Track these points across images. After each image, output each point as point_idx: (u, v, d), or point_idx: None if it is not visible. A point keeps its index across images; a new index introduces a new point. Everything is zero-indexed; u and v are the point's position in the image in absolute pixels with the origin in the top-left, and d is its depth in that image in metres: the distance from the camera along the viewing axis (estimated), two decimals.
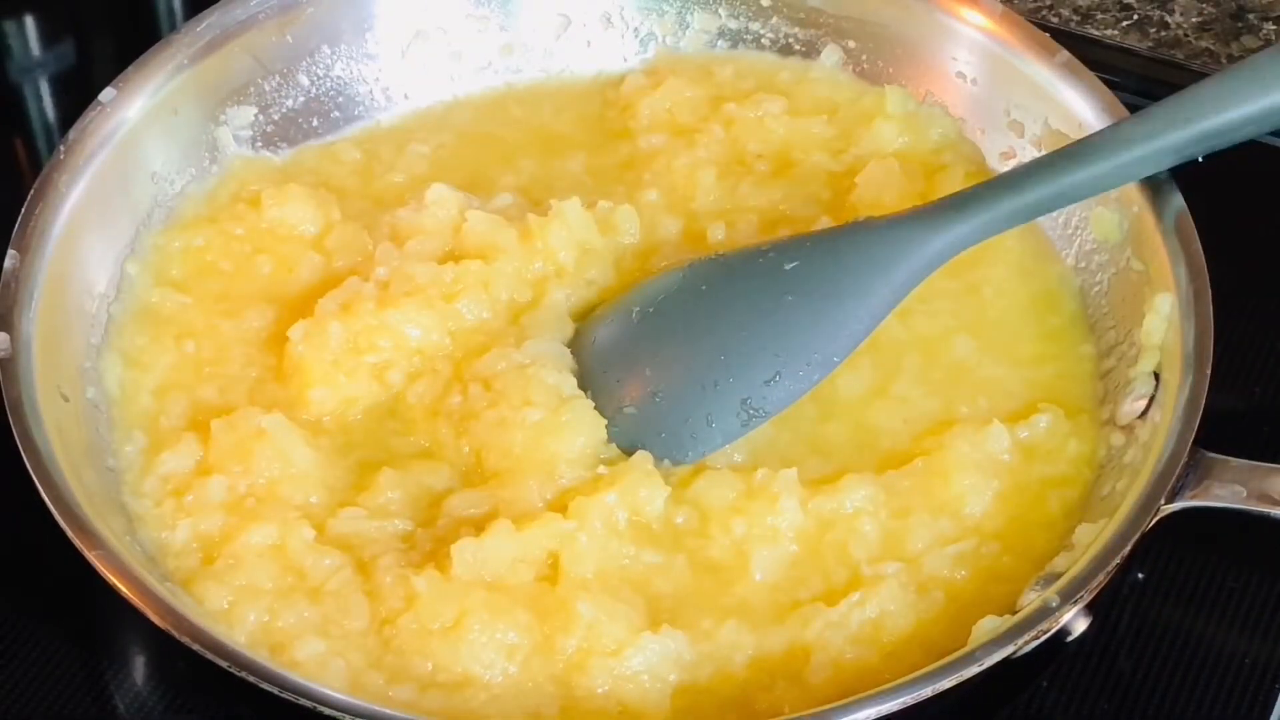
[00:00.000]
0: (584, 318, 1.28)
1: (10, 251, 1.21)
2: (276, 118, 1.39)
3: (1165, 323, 1.19)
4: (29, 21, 1.61)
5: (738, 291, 1.23)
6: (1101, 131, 1.24)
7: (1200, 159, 1.20)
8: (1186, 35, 1.58)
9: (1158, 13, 1.60)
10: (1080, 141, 1.23)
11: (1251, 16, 1.60)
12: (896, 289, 1.21)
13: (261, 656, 1.07)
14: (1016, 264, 1.30)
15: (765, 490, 1.16)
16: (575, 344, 1.26)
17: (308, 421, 1.22)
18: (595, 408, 1.21)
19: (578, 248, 1.29)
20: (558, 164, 1.39)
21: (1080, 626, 1.16)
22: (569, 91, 1.45)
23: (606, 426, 1.20)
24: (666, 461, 1.20)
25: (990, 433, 1.19)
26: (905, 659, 1.09)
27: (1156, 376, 1.18)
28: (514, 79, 1.45)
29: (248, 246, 1.32)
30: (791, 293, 1.22)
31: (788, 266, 1.23)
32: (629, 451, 1.20)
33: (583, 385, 1.23)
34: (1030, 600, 1.09)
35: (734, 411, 1.21)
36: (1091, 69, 1.32)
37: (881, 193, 1.32)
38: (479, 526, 1.15)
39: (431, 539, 1.16)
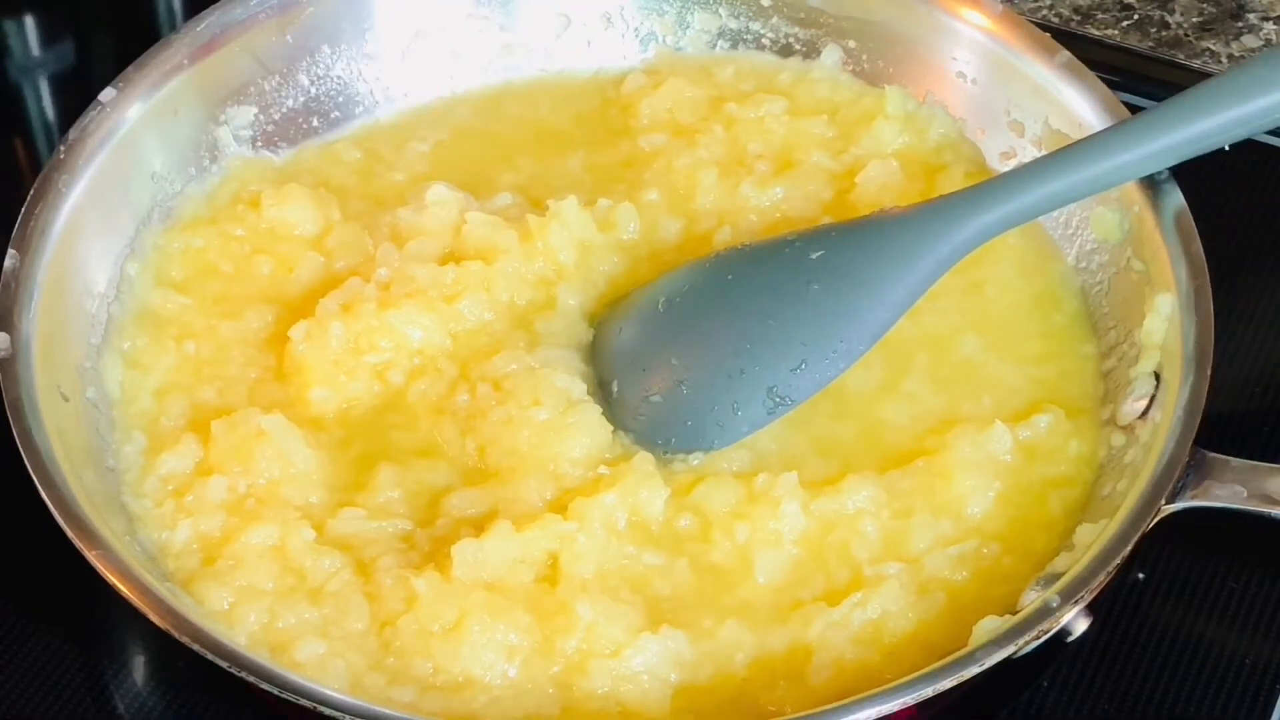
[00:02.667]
0: (594, 317, 1.28)
1: (10, 251, 1.21)
2: (276, 118, 1.39)
3: (1165, 323, 1.19)
4: (29, 21, 1.61)
5: (764, 280, 1.24)
6: (1125, 122, 1.24)
7: (1227, 147, 1.20)
8: (1186, 35, 1.58)
9: (1158, 13, 1.60)
10: (1103, 132, 1.23)
11: (1251, 16, 1.60)
12: (922, 278, 1.22)
13: (262, 657, 1.07)
14: (1019, 262, 1.30)
15: (767, 495, 1.16)
16: (597, 338, 1.26)
17: (308, 418, 1.22)
18: (620, 398, 1.22)
19: (578, 247, 1.29)
20: (557, 162, 1.39)
21: (1081, 626, 1.16)
22: (568, 89, 1.45)
23: (632, 416, 1.21)
24: (697, 453, 1.21)
25: (992, 433, 1.19)
26: (906, 659, 1.09)
27: (1157, 376, 1.18)
28: (513, 77, 1.45)
29: (247, 247, 1.32)
30: (818, 281, 1.22)
31: (813, 255, 1.23)
32: (651, 443, 1.20)
33: (607, 376, 1.24)
34: (1031, 600, 1.09)
35: (760, 399, 1.21)
36: (1091, 69, 1.32)
37: (882, 193, 1.32)
38: (479, 527, 1.15)
39: (431, 539, 1.16)
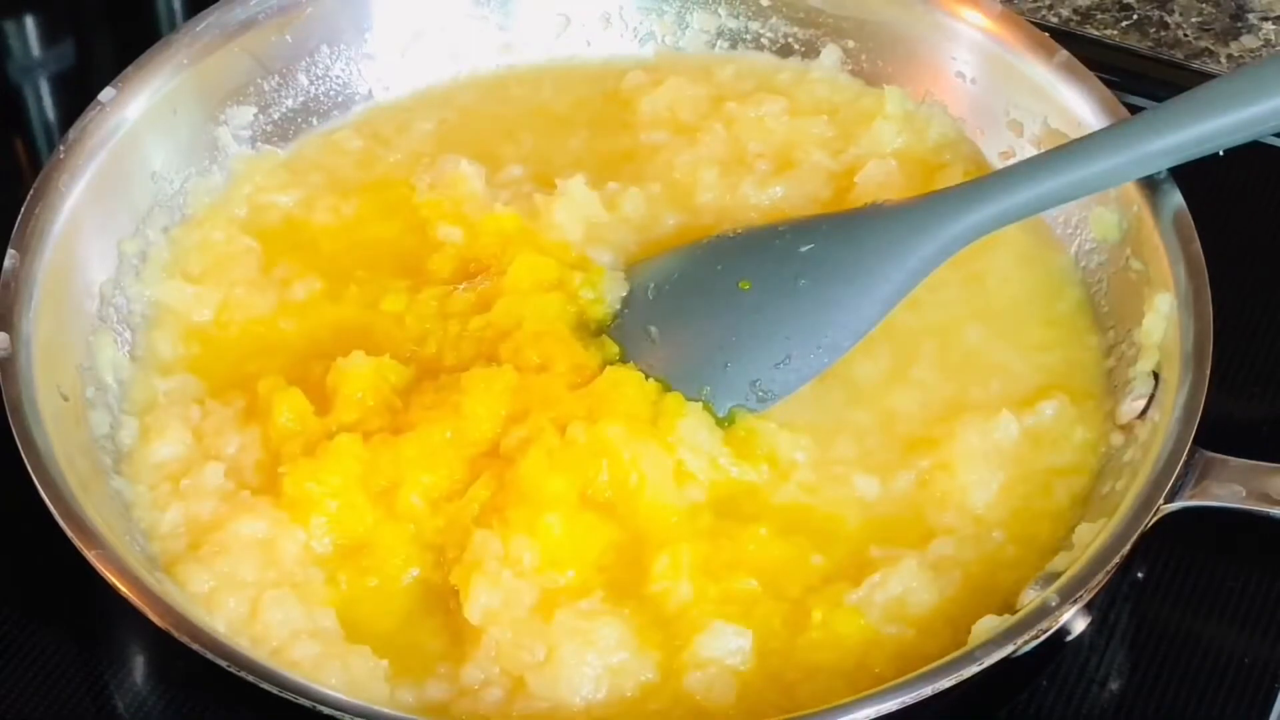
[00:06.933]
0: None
1: (10, 251, 1.21)
2: (276, 117, 1.39)
3: (1165, 322, 1.19)
4: (29, 21, 1.61)
5: (753, 273, 1.24)
6: (1121, 122, 1.24)
7: (1222, 153, 1.20)
8: (1186, 35, 1.58)
9: (1157, 13, 1.60)
10: (1098, 133, 1.24)
11: (1251, 16, 1.60)
12: (910, 275, 1.22)
13: (261, 656, 1.07)
14: (1019, 253, 1.30)
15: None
16: None
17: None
18: None
19: (585, 224, 1.30)
20: (559, 142, 1.40)
21: (1080, 626, 1.16)
22: (570, 76, 1.45)
23: None
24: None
25: (998, 422, 1.19)
26: (913, 658, 1.09)
27: (1156, 376, 1.18)
28: (512, 76, 1.45)
29: (250, 241, 1.32)
30: (805, 276, 1.22)
31: (803, 249, 1.23)
32: None
33: None
34: (1030, 599, 1.09)
35: (743, 393, 1.21)
36: (1091, 69, 1.32)
37: (881, 192, 1.32)
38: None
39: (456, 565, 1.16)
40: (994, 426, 1.19)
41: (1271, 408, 1.31)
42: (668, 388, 1.20)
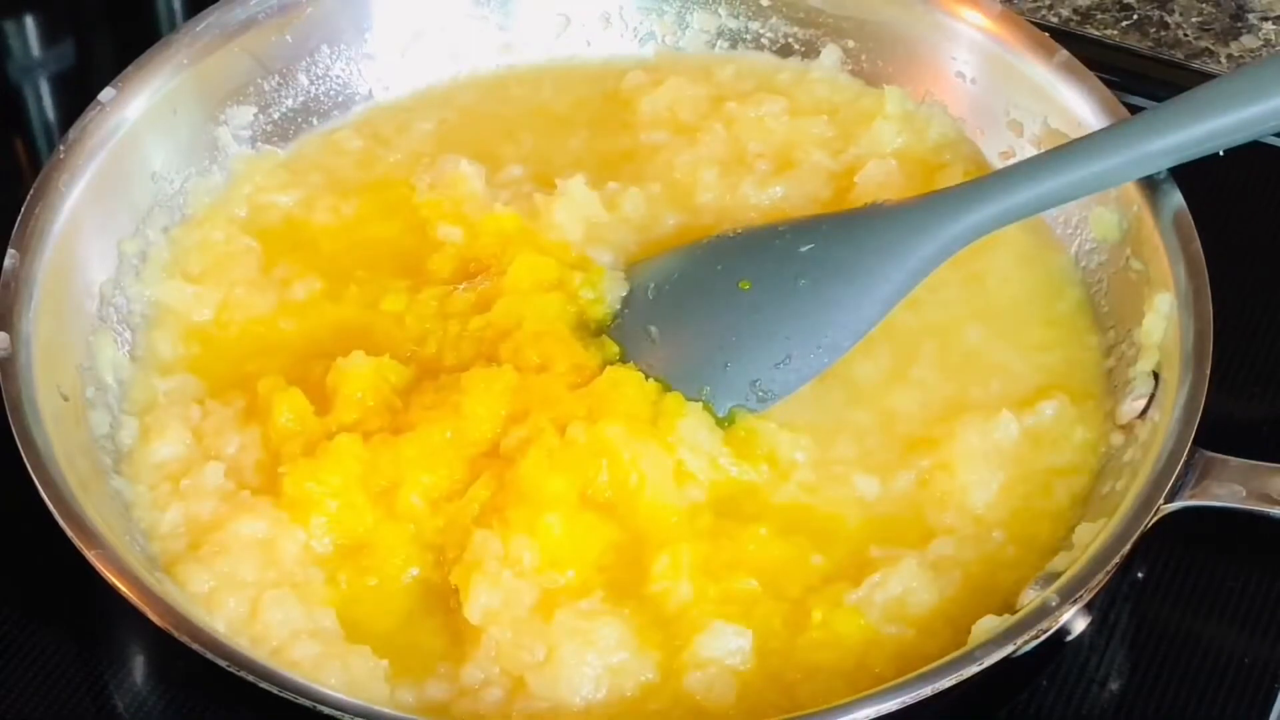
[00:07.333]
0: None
1: (10, 251, 1.21)
2: (276, 117, 1.39)
3: (1165, 322, 1.19)
4: (29, 21, 1.61)
5: (753, 273, 1.24)
6: (1121, 122, 1.24)
7: (1222, 153, 1.20)
8: (1186, 35, 1.58)
9: (1157, 13, 1.60)
10: (1098, 132, 1.24)
11: (1251, 16, 1.60)
12: (910, 275, 1.22)
13: (261, 656, 1.07)
14: (1019, 253, 1.30)
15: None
16: None
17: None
18: None
19: (585, 224, 1.30)
20: (559, 142, 1.40)
21: (1080, 626, 1.16)
22: (570, 76, 1.45)
23: None
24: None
25: (998, 422, 1.19)
26: (913, 658, 1.09)
27: (1156, 376, 1.18)
28: (512, 76, 1.45)
29: (250, 241, 1.33)
30: (805, 276, 1.23)
31: (803, 249, 1.23)
32: None
33: None
34: (1030, 599, 1.09)
35: (743, 393, 1.21)
36: (1091, 69, 1.32)
37: (880, 192, 1.32)
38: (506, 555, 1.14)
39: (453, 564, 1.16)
40: (994, 426, 1.19)
41: (1271, 408, 1.31)
42: (668, 388, 1.20)
